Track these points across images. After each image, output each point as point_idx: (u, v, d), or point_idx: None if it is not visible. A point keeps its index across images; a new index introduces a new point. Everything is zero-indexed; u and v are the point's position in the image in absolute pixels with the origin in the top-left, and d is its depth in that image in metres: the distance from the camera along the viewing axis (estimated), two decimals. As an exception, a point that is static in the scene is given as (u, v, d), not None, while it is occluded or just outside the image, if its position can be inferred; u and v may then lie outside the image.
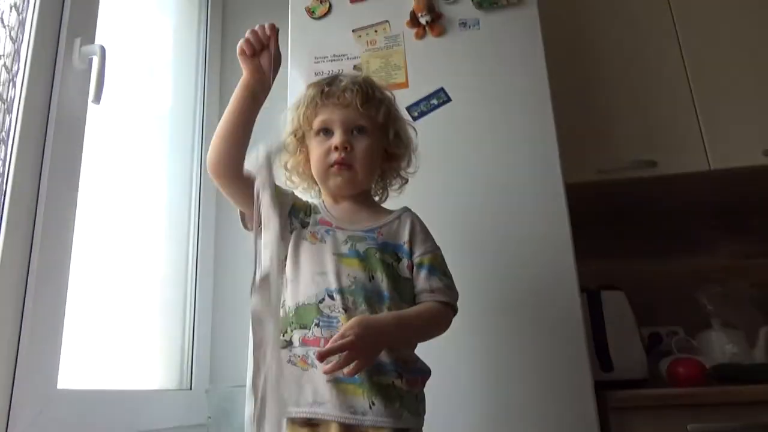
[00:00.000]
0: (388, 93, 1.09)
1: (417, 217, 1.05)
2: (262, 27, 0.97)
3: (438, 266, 1.01)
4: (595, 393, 1.19)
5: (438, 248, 1.03)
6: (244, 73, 0.98)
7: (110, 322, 1.34)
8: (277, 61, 0.98)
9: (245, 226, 1.02)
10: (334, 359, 0.85)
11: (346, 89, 1.01)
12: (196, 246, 1.69)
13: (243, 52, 0.96)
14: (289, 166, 1.09)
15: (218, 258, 1.76)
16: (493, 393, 1.22)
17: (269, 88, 0.99)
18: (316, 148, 1.03)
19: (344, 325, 0.88)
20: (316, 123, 1.02)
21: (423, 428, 0.94)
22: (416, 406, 0.93)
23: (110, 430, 1.19)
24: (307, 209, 1.04)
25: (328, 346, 0.85)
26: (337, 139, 1.00)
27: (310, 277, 0.96)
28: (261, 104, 0.99)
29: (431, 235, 1.04)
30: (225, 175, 0.98)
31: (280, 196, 0.97)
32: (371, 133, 1.03)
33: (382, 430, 0.87)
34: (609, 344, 1.47)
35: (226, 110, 0.98)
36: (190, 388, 1.57)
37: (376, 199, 1.12)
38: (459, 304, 1.01)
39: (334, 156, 1.00)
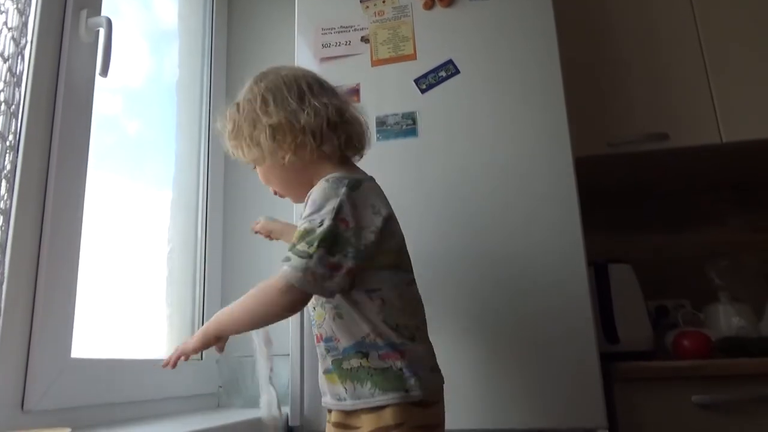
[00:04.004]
0: (229, 123, 1.03)
1: (323, 183, 0.92)
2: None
3: (298, 238, 0.88)
4: (601, 364, 1.20)
5: (317, 218, 0.88)
6: None
7: (121, 293, 1.36)
8: None
9: None
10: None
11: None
12: (205, 216, 1.70)
13: None
14: None
15: (227, 228, 1.78)
16: (499, 364, 1.24)
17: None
18: None
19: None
20: None
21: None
22: (392, 384, 0.90)
23: (123, 398, 1.22)
24: None
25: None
26: None
27: None
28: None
29: (324, 202, 0.89)
30: None
31: None
32: (259, 166, 1.07)
33: (360, 411, 0.92)
34: (615, 317, 1.48)
35: None
36: (201, 358, 1.60)
37: (356, 158, 1.08)
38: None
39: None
